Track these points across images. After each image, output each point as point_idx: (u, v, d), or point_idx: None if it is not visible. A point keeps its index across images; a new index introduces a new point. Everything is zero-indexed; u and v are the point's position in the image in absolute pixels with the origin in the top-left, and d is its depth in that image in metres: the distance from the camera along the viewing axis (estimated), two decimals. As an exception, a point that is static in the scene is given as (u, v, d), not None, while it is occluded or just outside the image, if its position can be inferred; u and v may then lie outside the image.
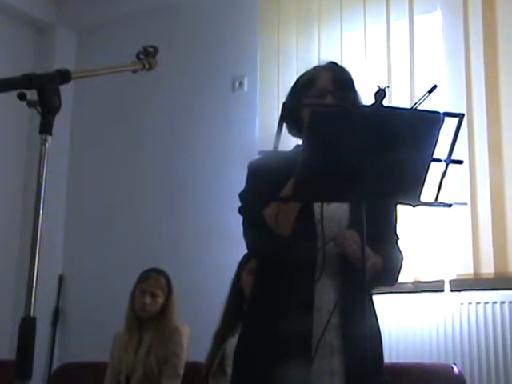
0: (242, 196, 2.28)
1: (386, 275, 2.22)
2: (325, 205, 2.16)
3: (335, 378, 2.09)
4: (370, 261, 2.02)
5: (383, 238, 2.18)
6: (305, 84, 2.32)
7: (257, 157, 2.28)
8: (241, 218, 2.23)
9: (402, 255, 2.30)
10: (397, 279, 2.30)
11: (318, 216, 2.15)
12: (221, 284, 3.68)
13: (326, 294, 2.13)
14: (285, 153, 2.10)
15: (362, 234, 1.81)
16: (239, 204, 2.25)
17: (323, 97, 2.23)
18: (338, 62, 2.41)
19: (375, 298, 2.23)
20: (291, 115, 2.16)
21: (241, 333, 2.34)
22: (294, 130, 2.30)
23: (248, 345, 2.22)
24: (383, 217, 2.19)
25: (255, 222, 2.15)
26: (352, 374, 2.07)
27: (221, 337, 3.53)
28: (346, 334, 2.10)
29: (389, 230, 2.28)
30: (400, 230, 2.34)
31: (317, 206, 2.16)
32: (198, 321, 3.95)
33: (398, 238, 2.32)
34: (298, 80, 2.38)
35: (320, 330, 2.07)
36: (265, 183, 2.11)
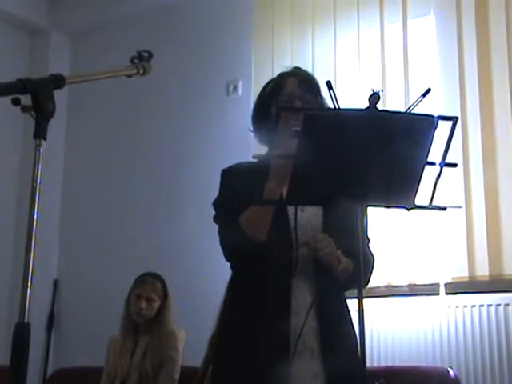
0: (215, 204, 2.28)
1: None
2: (299, 211, 2.17)
3: (317, 381, 2.08)
4: (342, 265, 2.08)
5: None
6: (272, 91, 2.34)
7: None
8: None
9: (373, 258, 2.30)
10: (368, 282, 2.29)
11: (292, 223, 2.16)
12: (217, 289, 3.67)
13: (302, 298, 2.13)
14: (258, 157, 2.12)
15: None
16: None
17: (292, 102, 2.24)
18: (303, 67, 2.45)
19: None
20: (262, 123, 2.18)
21: (219, 339, 2.34)
22: (265, 139, 2.30)
23: (226, 351, 2.21)
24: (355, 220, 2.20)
25: (231, 229, 2.14)
26: (333, 378, 2.07)
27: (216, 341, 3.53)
28: (325, 337, 2.10)
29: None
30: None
31: (291, 212, 2.16)
32: (195, 325, 3.94)
33: (369, 241, 2.32)
34: (264, 88, 2.40)
35: (298, 333, 2.08)
36: (238, 190, 2.13)
